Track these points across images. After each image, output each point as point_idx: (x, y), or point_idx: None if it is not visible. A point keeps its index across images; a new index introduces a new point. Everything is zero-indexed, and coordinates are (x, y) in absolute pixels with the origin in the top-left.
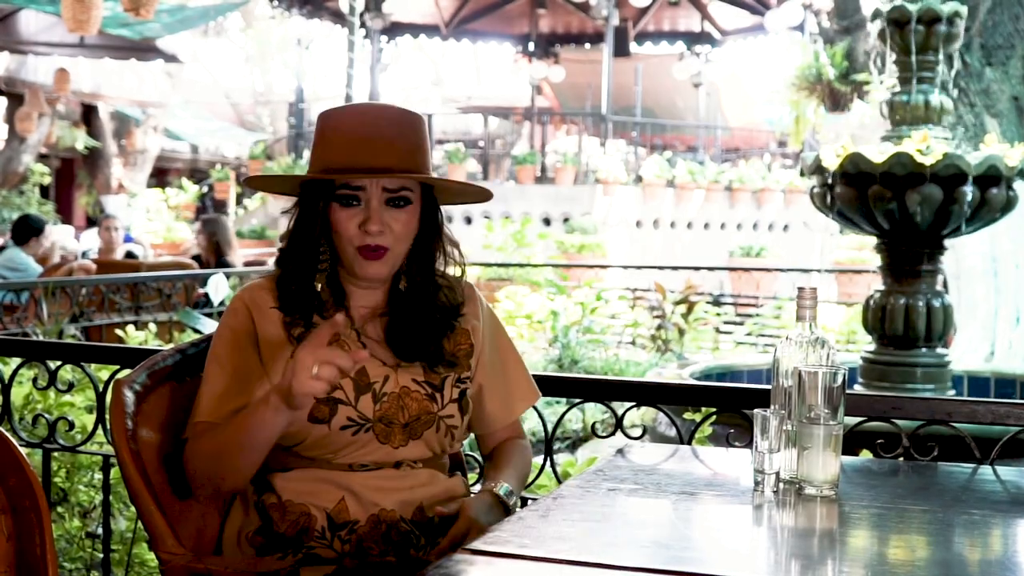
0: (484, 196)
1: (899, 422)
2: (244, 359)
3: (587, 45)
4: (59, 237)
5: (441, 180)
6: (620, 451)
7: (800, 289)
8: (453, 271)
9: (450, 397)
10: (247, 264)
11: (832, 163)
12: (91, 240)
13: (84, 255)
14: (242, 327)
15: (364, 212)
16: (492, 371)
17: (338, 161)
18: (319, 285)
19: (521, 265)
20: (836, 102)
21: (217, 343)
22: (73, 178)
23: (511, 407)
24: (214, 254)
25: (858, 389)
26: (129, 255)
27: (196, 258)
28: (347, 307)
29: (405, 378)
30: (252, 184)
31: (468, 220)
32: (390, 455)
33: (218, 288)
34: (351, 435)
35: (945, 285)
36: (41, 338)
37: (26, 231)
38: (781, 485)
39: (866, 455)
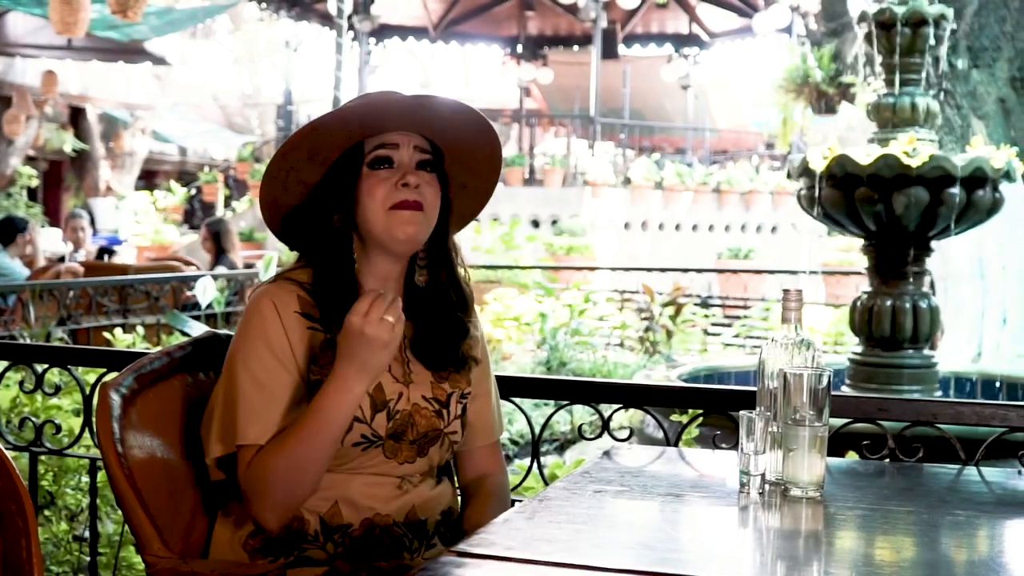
0: (495, 161)
1: (885, 423)
2: (284, 371)
3: (575, 47)
4: (44, 242)
5: (484, 119)
6: (607, 453)
7: (785, 291)
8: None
9: (455, 414)
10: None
11: (819, 165)
12: None
13: (72, 257)
14: (275, 334)
15: (397, 172)
16: (484, 386)
17: (370, 119)
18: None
19: (509, 267)
20: (823, 104)
21: (253, 353)
22: (61, 181)
23: (492, 427)
24: (214, 254)
25: (845, 391)
26: (105, 252)
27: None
28: None
29: (416, 395)
30: (265, 187)
31: None
32: (394, 470)
33: (206, 291)
34: (361, 451)
35: (932, 287)
36: (28, 341)
37: (10, 231)
38: (767, 487)
39: (852, 456)
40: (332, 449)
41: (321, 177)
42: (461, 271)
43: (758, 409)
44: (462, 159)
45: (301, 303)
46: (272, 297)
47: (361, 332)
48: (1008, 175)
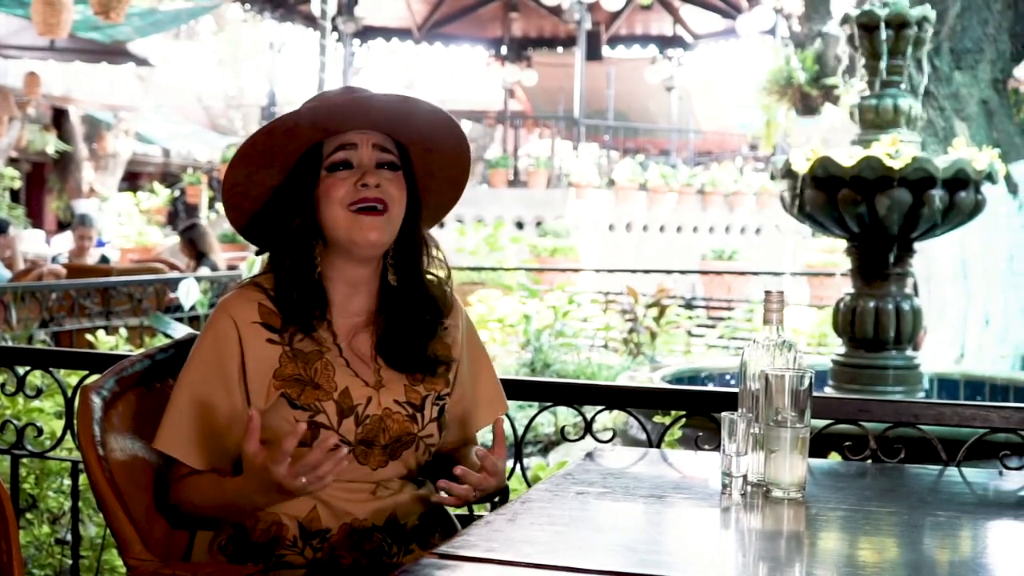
0: (464, 158)
1: (866, 424)
2: (227, 391)
3: (560, 49)
4: (26, 245)
5: (439, 111)
6: (590, 454)
7: (767, 292)
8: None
9: (430, 416)
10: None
11: (802, 167)
12: (62, 244)
13: (55, 260)
14: (228, 350)
15: (356, 172)
16: (464, 384)
17: (322, 121)
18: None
19: (494, 269)
20: (807, 106)
21: (199, 367)
22: (44, 182)
23: (473, 420)
24: (195, 259)
25: (828, 392)
26: (103, 260)
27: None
28: (330, 320)
29: (387, 399)
30: (227, 194)
31: (440, 223)
32: (368, 476)
33: (189, 293)
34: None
35: (915, 288)
36: (10, 343)
37: None
38: (749, 488)
39: (834, 457)
40: (246, 517)
41: (281, 181)
42: (441, 272)
43: (740, 410)
44: (428, 154)
45: (262, 312)
46: (231, 311)
47: (280, 482)
48: (990, 177)
